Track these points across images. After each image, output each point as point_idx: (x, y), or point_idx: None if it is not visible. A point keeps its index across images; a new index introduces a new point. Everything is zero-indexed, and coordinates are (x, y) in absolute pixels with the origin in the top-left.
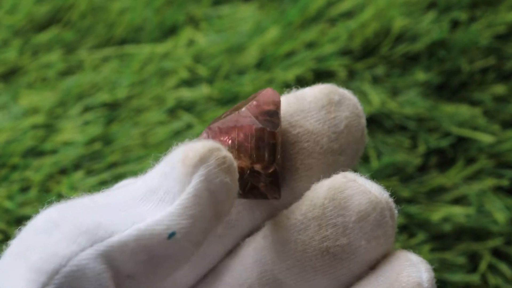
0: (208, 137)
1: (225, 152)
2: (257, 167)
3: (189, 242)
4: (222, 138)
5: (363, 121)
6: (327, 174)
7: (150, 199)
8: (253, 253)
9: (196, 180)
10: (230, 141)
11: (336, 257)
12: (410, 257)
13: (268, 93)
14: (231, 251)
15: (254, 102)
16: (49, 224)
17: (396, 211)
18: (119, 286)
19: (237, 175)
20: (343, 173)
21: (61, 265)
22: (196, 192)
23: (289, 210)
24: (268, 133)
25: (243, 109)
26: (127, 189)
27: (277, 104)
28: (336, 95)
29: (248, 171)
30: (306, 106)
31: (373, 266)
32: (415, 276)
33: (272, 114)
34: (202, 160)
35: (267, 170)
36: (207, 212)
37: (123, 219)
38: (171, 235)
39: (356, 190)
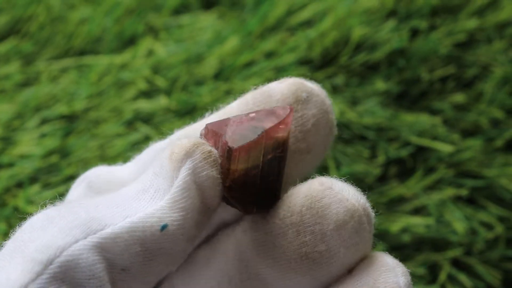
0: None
1: (210, 147)
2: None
3: (182, 235)
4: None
5: (332, 117)
6: (295, 172)
7: (142, 197)
8: (234, 247)
9: (183, 173)
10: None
11: (315, 262)
12: (387, 260)
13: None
14: (208, 241)
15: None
16: (45, 221)
17: (373, 215)
18: (114, 280)
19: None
20: (320, 179)
21: (56, 255)
22: (185, 185)
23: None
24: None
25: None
26: (120, 191)
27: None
28: (303, 92)
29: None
30: (273, 105)
31: (351, 269)
32: (392, 281)
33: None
34: (187, 154)
35: (224, 182)
36: (197, 204)
37: (116, 214)
38: (164, 227)
39: (333, 198)
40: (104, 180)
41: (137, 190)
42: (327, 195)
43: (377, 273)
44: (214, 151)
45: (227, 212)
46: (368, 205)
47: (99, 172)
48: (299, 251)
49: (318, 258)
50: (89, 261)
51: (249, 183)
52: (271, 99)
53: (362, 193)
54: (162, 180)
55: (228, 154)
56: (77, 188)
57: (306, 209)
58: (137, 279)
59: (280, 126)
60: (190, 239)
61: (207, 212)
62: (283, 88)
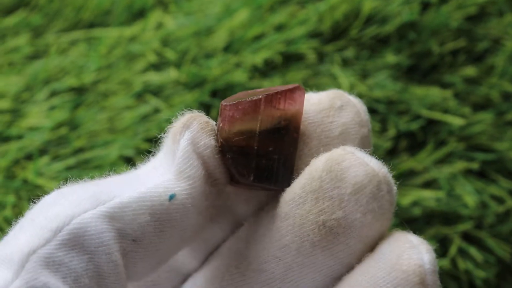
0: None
1: (207, 118)
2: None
3: (192, 206)
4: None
5: (364, 131)
6: None
7: (152, 174)
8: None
9: (183, 144)
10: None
11: (333, 231)
12: (410, 238)
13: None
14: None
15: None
16: (57, 196)
17: (395, 188)
18: (126, 251)
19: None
20: (343, 146)
21: (65, 223)
22: (186, 155)
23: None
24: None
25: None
26: (136, 171)
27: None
28: (339, 100)
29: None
30: (307, 107)
31: (373, 247)
32: (416, 258)
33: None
34: (185, 126)
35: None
36: (202, 173)
37: (126, 187)
38: (172, 196)
39: (354, 162)
40: None
41: (149, 169)
42: (348, 159)
43: (400, 250)
44: (212, 121)
45: (245, 210)
46: (389, 176)
47: None
48: (316, 220)
49: (335, 226)
50: (98, 229)
51: (244, 147)
52: (308, 102)
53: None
54: (168, 156)
55: (220, 111)
56: None
57: (326, 174)
58: (149, 252)
59: (288, 101)
60: (202, 212)
61: (216, 184)
62: (323, 94)
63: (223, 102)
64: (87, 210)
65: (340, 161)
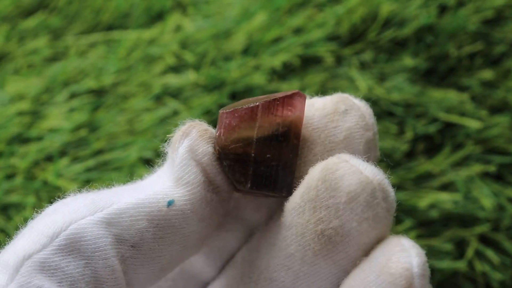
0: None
1: (206, 126)
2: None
3: (191, 212)
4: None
5: (369, 134)
6: None
7: (156, 182)
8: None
9: (181, 151)
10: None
11: (331, 240)
12: (402, 242)
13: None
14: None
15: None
16: (59, 204)
17: (392, 194)
18: (124, 257)
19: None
20: (338, 154)
21: (62, 229)
22: (184, 162)
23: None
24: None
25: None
26: (142, 181)
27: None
28: (343, 105)
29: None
30: (311, 113)
31: (368, 252)
32: (404, 261)
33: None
34: (184, 135)
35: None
36: (201, 180)
37: (126, 195)
38: (170, 202)
39: (348, 170)
40: None
41: (153, 179)
42: (342, 167)
43: (390, 253)
44: (211, 129)
45: (256, 218)
46: (386, 182)
47: None
48: (315, 229)
49: (333, 235)
50: (94, 234)
51: (241, 155)
52: (312, 107)
53: (387, 169)
54: (168, 164)
55: (218, 119)
56: None
57: (321, 183)
58: (149, 258)
59: (287, 107)
60: (203, 219)
61: (218, 191)
62: (328, 99)
63: (221, 110)
64: (85, 217)
65: (335, 170)
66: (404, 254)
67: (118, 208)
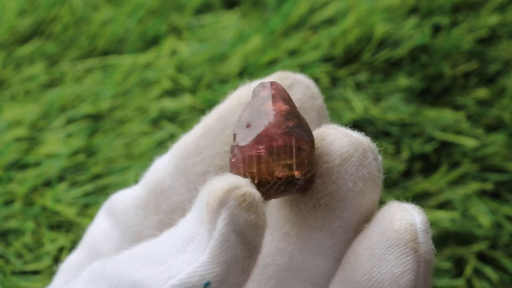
0: (240, 155)
1: (244, 189)
2: (297, 174)
3: (227, 287)
4: (257, 149)
5: (318, 102)
6: None
7: (187, 249)
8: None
9: (220, 225)
10: (264, 151)
11: (328, 208)
12: (403, 205)
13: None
14: None
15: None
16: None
17: (380, 156)
18: None
19: (262, 210)
20: (324, 125)
21: None
22: (223, 237)
23: None
24: (307, 142)
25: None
26: (167, 238)
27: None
28: (288, 80)
29: (287, 179)
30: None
31: (367, 218)
32: (408, 218)
33: (294, 115)
34: (222, 203)
35: (306, 175)
36: (239, 254)
37: (158, 275)
38: (206, 285)
39: (337, 135)
40: (117, 204)
41: (183, 240)
42: (331, 133)
43: (392, 213)
44: (249, 191)
45: None
46: (373, 144)
47: (115, 198)
48: (310, 200)
49: (329, 202)
50: None
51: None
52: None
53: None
54: (203, 230)
55: (308, 144)
56: (98, 218)
57: None
58: None
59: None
60: (238, 286)
61: (252, 257)
62: (271, 77)
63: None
64: None
65: (325, 137)
66: (406, 213)
67: None
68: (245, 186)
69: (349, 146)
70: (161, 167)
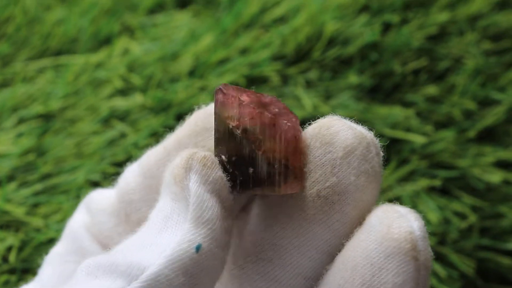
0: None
1: (202, 153)
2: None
3: (217, 248)
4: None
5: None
6: None
7: (168, 225)
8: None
9: (193, 188)
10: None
11: (328, 201)
12: (397, 209)
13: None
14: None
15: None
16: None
17: (381, 152)
18: None
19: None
20: (329, 115)
21: None
22: (200, 198)
23: None
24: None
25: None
26: (149, 222)
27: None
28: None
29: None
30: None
31: (362, 213)
32: (406, 226)
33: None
34: (187, 169)
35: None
36: (219, 211)
37: (150, 254)
38: (198, 247)
39: (342, 126)
40: (94, 203)
41: (162, 218)
42: (336, 124)
43: (389, 220)
44: (207, 154)
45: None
46: (376, 139)
47: (93, 196)
48: (311, 192)
49: (330, 195)
50: None
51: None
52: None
53: None
54: (179, 203)
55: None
56: (79, 212)
57: (315, 140)
58: None
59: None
60: (226, 245)
61: (230, 211)
62: None
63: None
64: None
65: (329, 127)
66: (403, 219)
67: (152, 272)
68: (202, 151)
69: (354, 139)
70: (131, 177)
